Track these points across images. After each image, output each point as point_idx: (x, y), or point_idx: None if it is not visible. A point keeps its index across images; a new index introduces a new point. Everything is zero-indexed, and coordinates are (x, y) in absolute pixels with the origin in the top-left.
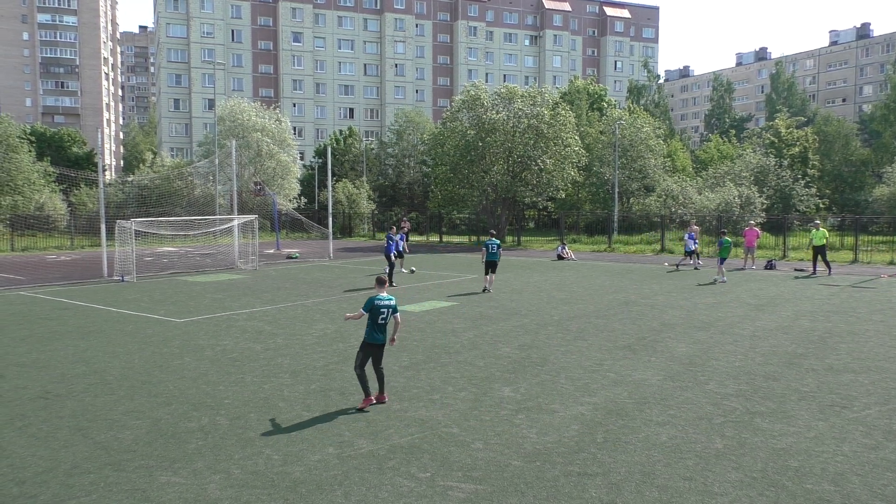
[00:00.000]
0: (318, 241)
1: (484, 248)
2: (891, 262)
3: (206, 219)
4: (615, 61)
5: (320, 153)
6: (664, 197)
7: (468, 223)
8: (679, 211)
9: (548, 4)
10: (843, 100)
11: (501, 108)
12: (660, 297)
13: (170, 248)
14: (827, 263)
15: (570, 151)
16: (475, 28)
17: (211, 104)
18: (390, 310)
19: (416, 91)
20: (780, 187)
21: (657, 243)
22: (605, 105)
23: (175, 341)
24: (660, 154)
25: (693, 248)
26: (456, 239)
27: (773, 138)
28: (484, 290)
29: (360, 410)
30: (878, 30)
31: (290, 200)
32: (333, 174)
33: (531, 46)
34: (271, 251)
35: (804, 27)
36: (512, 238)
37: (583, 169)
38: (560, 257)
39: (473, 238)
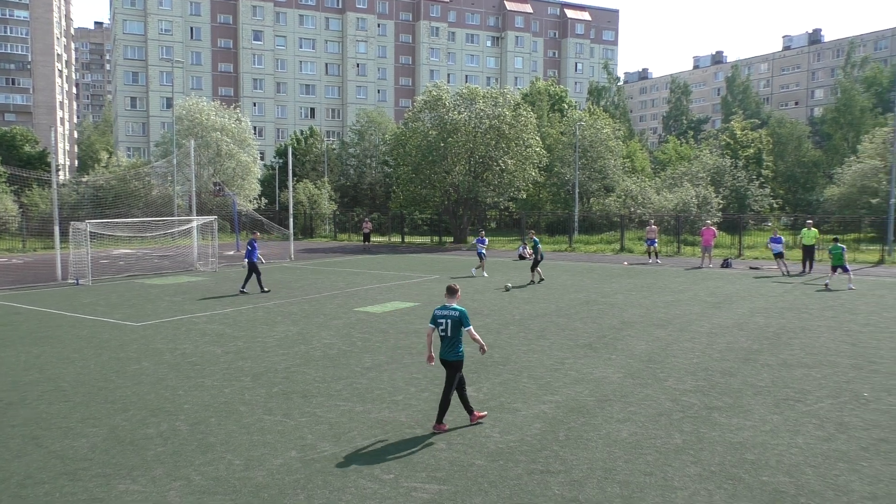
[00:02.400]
0: (279, 242)
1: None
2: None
3: (164, 220)
4: (576, 63)
5: (281, 153)
6: (624, 197)
7: (430, 224)
8: (638, 211)
9: (509, 6)
10: (796, 103)
11: (463, 109)
12: (619, 295)
13: (126, 250)
14: (812, 263)
15: (531, 152)
16: (437, 28)
17: (169, 103)
18: (449, 321)
19: (378, 91)
20: (735, 187)
21: (617, 243)
22: (566, 106)
23: (132, 346)
24: (619, 155)
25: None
26: (418, 239)
27: (728, 140)
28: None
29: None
30: (828, 35)
31: (250, 201)
32: (294, 174)
33: (493, 47)
34: (231, 252)
35: (759, 32)
36: (474, 238)
37: (544, 169)
38: (521, 257)
39: (435, 239)
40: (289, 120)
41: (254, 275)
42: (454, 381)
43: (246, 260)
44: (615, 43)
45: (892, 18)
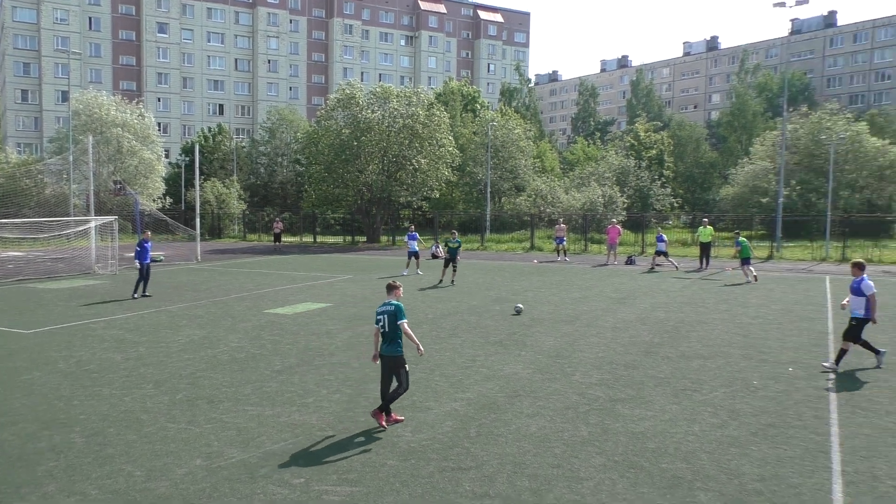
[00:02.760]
0: (185, 242)
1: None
2: (734, 257)
3: (58, 220)
4: (488, 64)
5: (187, 151)
6: (534, 196)
7: (343, 223)
8: (548, 210)
9: (423, 5)
10: (695, 106)
11: (377, 108)
12: (529, 293)
13: (16, 253)
14: (708, 259)
15: (444, 151)
16: (351, 26)
17: (64, 96)
18: (386, 316)
19: (290, 88)
20: (639, 187)
21: (527, 241)
22: (479, 106)
23: (22, 354)
24: (530, 155)
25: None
26: (331, 239)
27: (633, 141)
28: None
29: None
30: (725, 43)
31: (153, 200)
32: (202, 173)
33: (407, 47)
34: (132, 254)
35: (661, 38)
36: (387, 238)
37: (457, 169)
38: (434, 256)
39: (348, 239)
40: (196, 116)
41: (142, 276)
42: (401, 376)
43: (137, 262)
44: (526, 45)
45: (782, 29)
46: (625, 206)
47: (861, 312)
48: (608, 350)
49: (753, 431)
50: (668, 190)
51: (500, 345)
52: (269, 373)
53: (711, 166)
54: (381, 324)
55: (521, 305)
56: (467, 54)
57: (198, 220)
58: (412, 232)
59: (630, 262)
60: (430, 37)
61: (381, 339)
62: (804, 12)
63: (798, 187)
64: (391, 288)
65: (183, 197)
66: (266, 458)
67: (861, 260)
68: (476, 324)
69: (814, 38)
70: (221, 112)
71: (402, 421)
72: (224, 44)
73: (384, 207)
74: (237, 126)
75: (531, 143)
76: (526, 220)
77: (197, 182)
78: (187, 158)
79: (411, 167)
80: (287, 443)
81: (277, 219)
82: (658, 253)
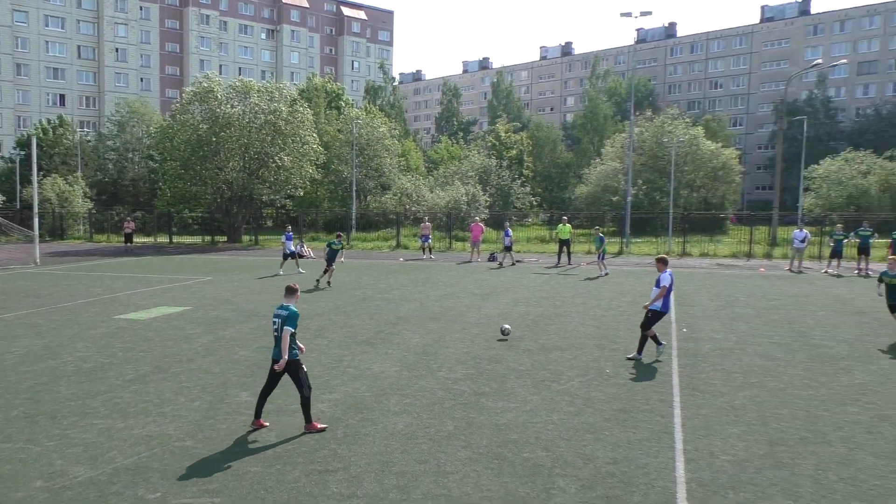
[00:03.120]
0: (22, 244)
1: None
2: (588, 252)
3: None
4: (352, 61)
5: (23, 144)
6: (399, 195)
7: (202, 223)
8: (413, 208)
9: None
10: (552, 109)
11: (237, 103)
12: (395, 291)
13: None
14: (569, 255)
15: (308, 149)
16: (207, 16)
17: None
18: (280, 321)
19: (141, 79)
20: (500, 186)
21: (393, 239)
22: (343, 104)
23: None
24: (395, 153)
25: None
26: (188, 239)
27: (494, 141)
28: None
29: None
30: (578, 49)
31: None
32: (41, 169)
33: (268, 40)
34: None
35: (520, 41)
36: (249, 237)
37: (321, 167)
38: (301, 255)
39: (208, 238)
40: (33, 107)
41: None
42: (300, 379)
43: None
44: (391, 43)
45: (629, 37)
46: (487, 204)
47: (658, 305)
48: (473, 345)
49: (607, 417)
50: (528, 189)
51: (368, 344)
52: (121, 383)
53: (567, 166)
54: (275, 327)
55: (507, 326)
56: (331, 51)
57: (36, 219)
58: (289, 232)
59: (493, 258)
60: (293, 31)
61: (274, 341)
62: (648, 23)
63: (644, 187)
64: (290, 291)
65: (18, 195)
66: (117, 474)
67: (664, 256)
68: (343, 323)
69: (656, 47)
70: (63, 103)
71: (324, 429)
72: (65, 29)
73: (246, 206)
74: (81, 118)
75: (396, 141)
76: (392, 219)
77: (35, 178)
78: (23, 153)
79: (274, 165)
80: (141, 456)
81: (128, 218)
82: (506, 248)
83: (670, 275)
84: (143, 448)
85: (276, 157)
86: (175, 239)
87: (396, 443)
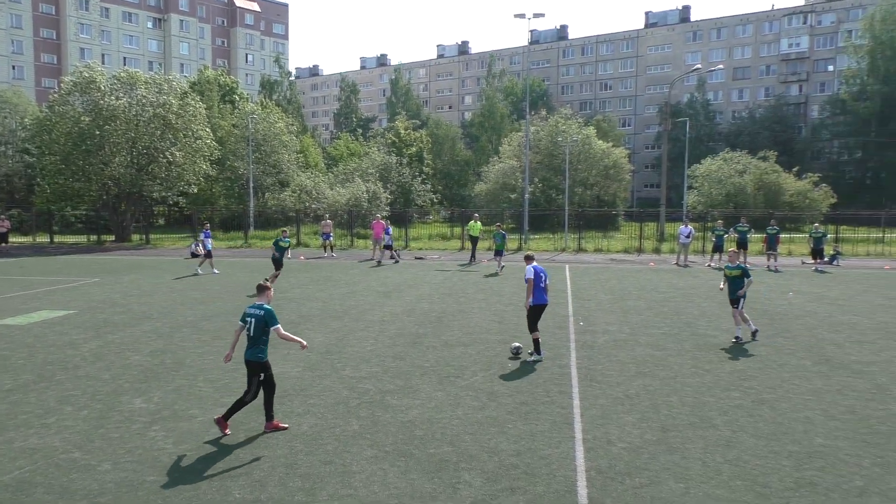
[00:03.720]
0: None
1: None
2: (489, 249)
3: None
4: (246, 54)
5: None
6: (299, 192)
7: (86, 221)
8: (313, 205)
9: None
10: (450, 107)
11: (122, 94)
12: (297, 290)
13: None
14: (474, 253)
15: (201, 144)
16: (87, 2)
17: None
18: (254, 320)
19: (13, 67)
20: (401, 183)
21: (293, 237)
22: (238, 98)
23: None
24: (293, 150)
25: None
26: (71, 239)
27: (394, 138)
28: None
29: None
30: (475, 48)
31: None
32: None
33: (155, 30)
34: None
35: (417, 39)
36: (140, 237)
37: (216, 163)
38: (194, 255)
39: (93, 237)
40: None
41: None
42: (260, 383)
43: None
44: (286, 37)
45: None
46: (388, 201)
47: (532, 299)
48: (377, 343)
49: (510, 410)
50: (429, 186)
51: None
52: None
53: (466, 164)
54: (247, 325)
55: (517, 344)
56: (223, 43)
57: None
58: (206, 230)
59: (392, 253)
60: (182, 21)
61: (244, 340)
62: (541, 25)
63: (541, 184)
64: (262, 289)
65: None
66: None
67: (531, 253)
68: None
69: (549, 48)
70: None
71: (285, 428)
72: None
73: (135, 203)
74: None
75: (294, 137)
76: (291, 216)
77: None
78: None
79: (165, 160)
80: (23, 471)
81: (2, 216)
82: (386, 247)
83: (534, 268)
84: (25, 462)
85: (167, 153)
86: (56, 238)
87: (301, 444)
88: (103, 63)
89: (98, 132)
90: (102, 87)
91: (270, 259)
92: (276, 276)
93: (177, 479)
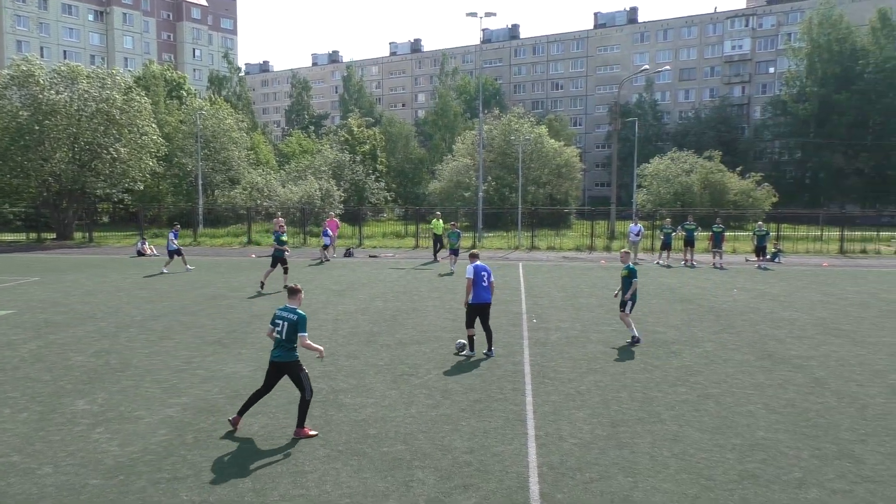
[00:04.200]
0: None
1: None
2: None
3: None
4: (193, 49)
5: None
6: (250, 189)
7: (25, 219)
8: (265, 203)
9: None
10: (403, 105)
11: (63, 89)
12: (248, 289)
13: None
14: (436, 251)
15: (147, 140)
16: None
17: None
18: (286, 324)
19: None
20: (354, 181)
21: (244, 235)
22: (185, 93)
23: None
24: (244, 147)
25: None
26: (9, 237)
27: (347, 136)
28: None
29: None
30: (427, 46)
31: None
32: None
33: (97, 22)
34: None
35: (370, 36)
36: (83, 235)
37: (163, 159)
38: (140, 253)
39: (33, 235)
40: None
41: None
42: (301, 381)
43: None
44: (234, 32)
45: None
46: (342, 199)
47: (471, 298)
48: (330, 342)
49: (463, 408)
50: (382, 184)
51: (219, 344)
52: None
53: (420, 162)
54: (278, 328)
55: (462, 341)
56: (169, 37)
57: None
58: (176, 229)
59: (349, 254)
60: (125, 14)
61: (274, 341)
62: (493, 24)
63: (494, 183)
64: (293, 292)
65: None
66: None
67: (476, 251)
68: (191, 323)
69: (501, 47)
70: None
71: (314, 436)
72: None
73: (77, 200)
74: None
75: (244, 134)
76: (242, 214)
77: None
78: None
79: (109, 156)
80: None
81: None
82: (324, 246)
83: (474, 267)
84: None
85: (111, 149)
86: None
87: (252, 444)
88: (42, 56)
89: (37, 127)
90: (42, 81)
91: (272, 257)
92: (282, 273)
93: (122, 481)
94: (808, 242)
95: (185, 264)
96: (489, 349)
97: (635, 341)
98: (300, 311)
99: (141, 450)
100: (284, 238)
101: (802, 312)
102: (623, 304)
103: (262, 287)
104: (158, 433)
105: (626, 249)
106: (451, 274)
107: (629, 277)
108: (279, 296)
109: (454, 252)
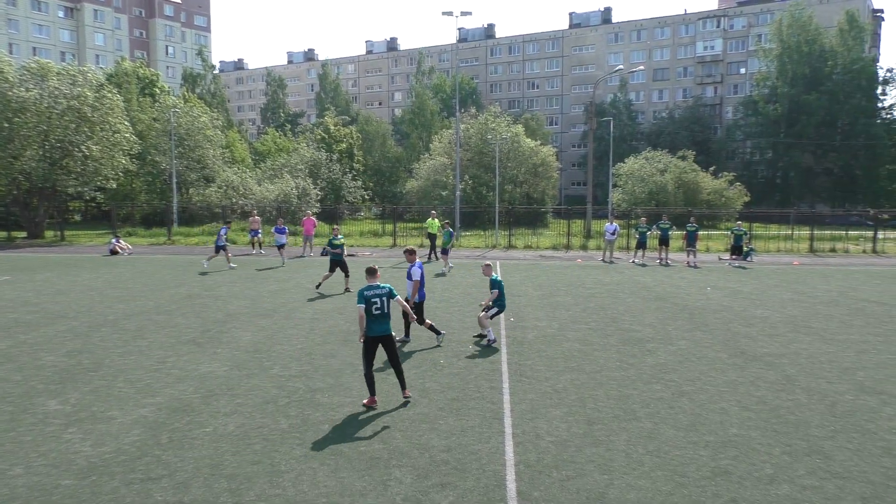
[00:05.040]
0: None
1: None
2: (421, 245)
3: None
4: (167, 46)
5: None
6: (225, 188)
7: None
8: (241, 202)
9: None
10: (380, 103)
11: (33, 86)
12: (223, 287)
13: None
14: (433, 250)
15: (120, 138)
16: None
17: None
18: (384, 299)
19: None
20: (331, 179)
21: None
22: (159, 91)
23: None
24: (219, 145)
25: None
26: None
27: (323, 134)
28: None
29: (368, 407)
30: (403, 45)
31: None
32: None
33: (67, 19)
34: None
35: (346, 34)
36: (54, 233)
37: (136, 157)
38: (114, 252)
39: (3, 234)
40: None
41: None
42: (397, 350)
43: None
44: (208, 29)
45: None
46: (318, 198)
47: (418, 297)
48: (307, 341)
49: (441, 407)
50: (360, 183)
51: (194, 343)
52: None
53: (397, 161)
54: (375, 305)
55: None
56: (142, 34)
57: None
58: (227, 225)
59: (326, 253)
60: (96, 10)
61: (369, 320)
62: (469, 23)
63: (471, 181)
64: (372, 271)
65: None
66: None
67: (412, 247)
68: (165, 323)
69: (477, 47)
70: None
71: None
72: None
73: (48, 199)
74: None
75: (219, 132)
76: (217, 213)
77: None
78: None
79: (80, 154)
80: None
81: None
82: (279, 245)
83: (420, 266)
84: None
85: (83, 146)
86: None
87: (227, 445)
88: (11, 53)
89: (7, 124)
90: (10, 78)
91: (330, 261)
92: (328, 278)
93: (94, 482)
94: (779, 241)
95: (229, 262)
96: (406, 335)
97: (491, 342)
98: (386, 284)
99: (114, 450)
100: (340, 241)
101: (774, 310)
102: (486, 308)
103: (317, 287)
104: (132, 433)
105: (487, 263)
106: (443, 275)
107: (495, 289)
108: (252, 293)
109: (445, 252)
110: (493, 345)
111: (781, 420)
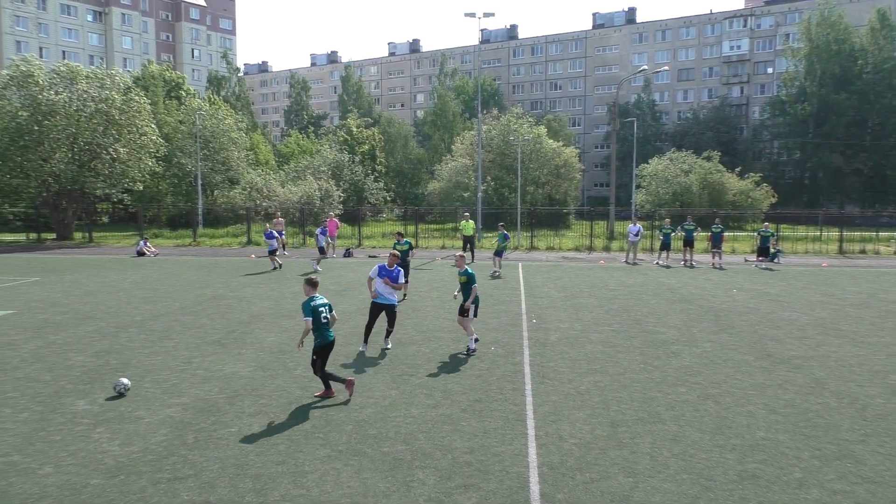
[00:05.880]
0: None
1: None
2: (442, 247)
3: None
4: (192, 49)
5: None
6: (249, 189)
7: (25, 219)
8: (264, 203)
9: None
10: (402, 105)
11: (62, 89)
12: (248, 289)
13: None
14: (472, 252)
15: (146, 140)
16: None
17: None
18: (328, 307)
19: None
20: (354, 181)
21: (244, 236)
22: (184, 94)
23: None
24: (243, 147)
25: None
26: (9, 237)
27: (346, 136)
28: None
29: (322, 398)
30: (426, 46)
31: None
32: None
33: (96, 23)
34: None
35: (368, 36)
36: (82, 235)
37: (162, 159)
38: (141, 253)
39: (33, 236)
40: None
41: None
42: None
43: None
44: (233, 32)
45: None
46: (341, 199)
47: (394, 298)
48: None
49: (463, 408)
50: (381, 184)
51: (219, 344)
52: None
53: (419, 162)
54: (322, 314)
55: (124, 381)
56: (168, 37)
57: None
58: (323, 227)
59: (348, 254)
60: (124, 14)
61: (323, 328)
62: (491, 24)
63: (493, 183)
64: (314, 283)
65: None
66: None
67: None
68: (191, 324)
69: (500, 48)
70: None
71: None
72: None
73: (77, 200)
74: None
75: (244, 134)
76: (241, 214)
77: None
78: None
79: (108, 156)
80: None
81: None
82: (271, 252)
83: (399, 270)
84: None
85: (111, 149)
86: None
87: (252, 445)
88: (41, 57)
89: (37, 127)
90: (41, 82)
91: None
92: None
93: (122, 481)
94: (807, 243)
95: (277, 259)
96: (364, 342)
97: (470, 352)
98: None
99: (141, 450)
100: (405, 246)
101: (802, 313)
102: (463, 310)
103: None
104: (159, 433)
105: (460, 253)
106: (497, 276)
107: (468, 283)
108: (276, 294)
109: (498, 254)
110: (472, 354)
111: (810, 423)
